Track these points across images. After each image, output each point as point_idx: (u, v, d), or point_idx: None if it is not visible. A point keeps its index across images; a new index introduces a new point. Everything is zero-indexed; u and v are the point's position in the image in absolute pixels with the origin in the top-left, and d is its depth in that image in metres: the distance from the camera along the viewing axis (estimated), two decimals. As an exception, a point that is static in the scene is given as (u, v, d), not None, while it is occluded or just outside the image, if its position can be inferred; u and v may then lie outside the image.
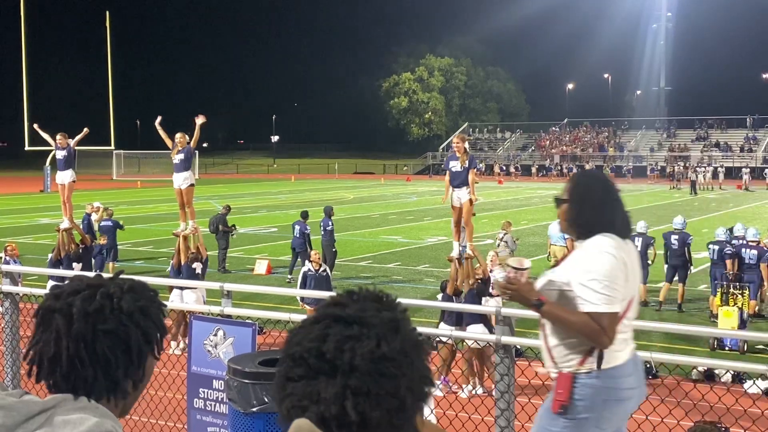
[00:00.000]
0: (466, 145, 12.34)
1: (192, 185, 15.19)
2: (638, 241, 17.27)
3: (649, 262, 17.02)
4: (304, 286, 14.15)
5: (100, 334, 1.79)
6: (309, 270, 14.48)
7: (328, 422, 1.50)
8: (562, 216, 4.00)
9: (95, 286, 1.85)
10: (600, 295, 3.68)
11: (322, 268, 14.63)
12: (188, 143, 14.95)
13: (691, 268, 17.02)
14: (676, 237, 16.83)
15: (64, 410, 1.74)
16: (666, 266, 17.03)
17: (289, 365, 1.56)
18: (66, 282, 1.90)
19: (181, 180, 15.00)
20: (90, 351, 1.78)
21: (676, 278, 16.70)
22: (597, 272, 3.69)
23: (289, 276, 19.88)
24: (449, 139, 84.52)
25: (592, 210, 3.85)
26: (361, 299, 1.61)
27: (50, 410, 1.74)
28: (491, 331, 10.75)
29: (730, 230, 17.13)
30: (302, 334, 1.57)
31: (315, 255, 15.04)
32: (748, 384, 11.24)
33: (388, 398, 1.51)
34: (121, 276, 1.94)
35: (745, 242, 15.83)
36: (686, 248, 16.69)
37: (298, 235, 19.85)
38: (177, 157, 14.93)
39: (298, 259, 19.74)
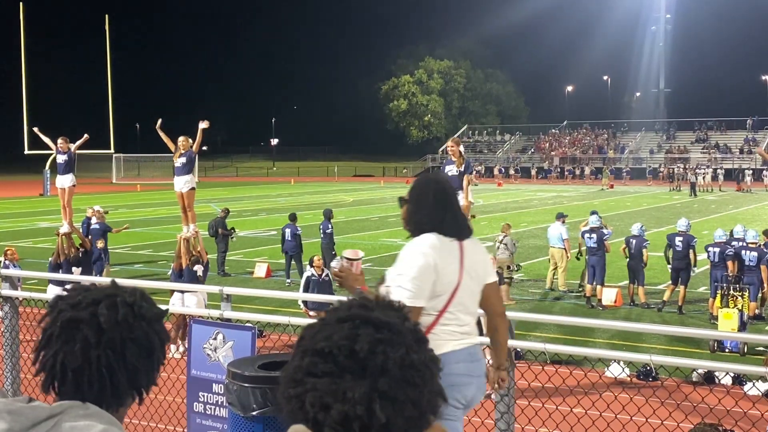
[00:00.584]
0: (461, 148, 12.34)
1: (193, 188, 15.20)
2: (633, 243, 17.34)
3: (643, 264, 17.08)
4: (306, 291, 14.14)
5: (129, 342, 1.81)
6: (312, 275, 14.48)
7: (351, 422, 1.49)
8: (402, 215, 4.34)
9: (113, 294, 1.86)
10: (405, 291, 3.98)
11: (324, 273, 14.63)
12: (191, 147, 14.97)
13: (694, 269, 17.02)
14: (681, 239, 16.84)
15: (71, 416, 1.74)
16: (669, 268, 17.06)
17: (314, 360, 1.53)
18: (72, 289, 1.89)
19: (182, 183, 15.01)
20: (118, 359, 1.79)
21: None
22: (406, 269, 4.02)
23: (287, 280, 19.87)
24: (447, 143, 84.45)
25: (423, 210, 4.17)
26: (380, 306, 1.61)
27: (57, 416, 1.74)
28: (481, 333, 10.80)
29: (731, 232, 17.15)
30: (329, 331, 1.55)
31: (318, 260, 15.01)
32: (748, 386, 11.23)
33: (410, 406, 1.51)
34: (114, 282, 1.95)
35: (744, 244, 15.84)
36: (690, 250, 16.70)
37: (290, 238, 19.90)
38: (179, 161, 14.94)
39: (293, 262, 19.84)
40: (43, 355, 1.82)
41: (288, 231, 20.08)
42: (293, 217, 20.45)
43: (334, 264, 3.49)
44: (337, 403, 1.49)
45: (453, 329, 4.15)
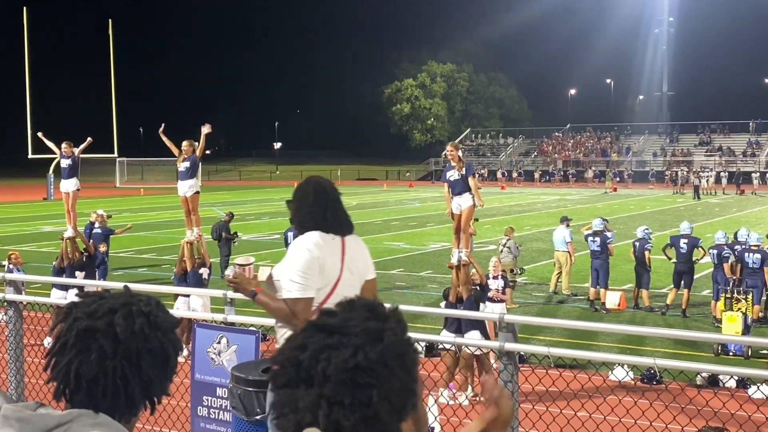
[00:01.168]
0: (460, 153, 12.35)
1: (197, 192, 15.23)
2: (636, 246, 17.35)
3: (647, 267, 17.09)
4: None
5: (144, 353, 1.80)
6: None
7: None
8: (290, 215, 4.67)
9: (129, 303, 1.84)
10: (294, 284, 4.30)
11: None
12: (194, 152, 14.98)
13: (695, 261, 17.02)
14: (686, 241, 16.83)
15: (80, 425, 1.73)
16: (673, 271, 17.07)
17: (275, 373, 1.58)
18: (86, 295, 1.87)
19: (186, 188, 15.03)
20: (135, 369, 1.78)
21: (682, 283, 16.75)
22: (294, 264, 4.33)
23: None
24: (444, 152, 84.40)
25: (305, 210, 4.48)
26: (353, 308, 1.61)
27: (66, 424, 1.73)
28: (486, 338, 10.84)
29: (735, 235, 17.13)
30: (288, 343, 1.59)
31: None
32: (752, 389, 11.22)
33: (362, 408, 1.51)
34: (128, 289, 1.94)
35: (747, 246, 15.81)
36: (697, 249, 16.74)
37: (291, 242, 19.89)
38: (182, 165, 14.96)
39: None
40: (56, 363, 1.80)
41: (290, 235, 20.09)
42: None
43: (228, 272, 3.69)
44: (290, 414, 1.53)
45: None
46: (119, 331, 1.77)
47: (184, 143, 14.99)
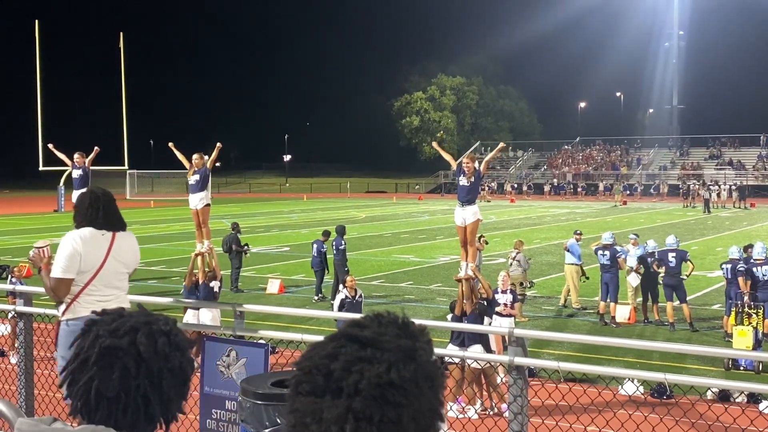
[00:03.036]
0: (476, 164, 12.36)
1: (208, 205, 15.24)
2: (633, 260, 17.44)
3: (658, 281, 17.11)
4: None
5: (166, 373, 1.80)
6: (346, 297, 14.28)
7: None
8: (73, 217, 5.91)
9: (149, 322, 1.84)
10: (58, 267, 5.54)
11: (357, 294, 14.45)
12: (204, 165, 15.01)
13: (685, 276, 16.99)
14: (674, 255, 16.79)
15: None
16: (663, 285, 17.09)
17: (300, 379, 1.53)
18: (105, 313, 1.88)
19: (197, 200, 15.05)
20: (155, 389, 1.79)
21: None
22: (61, 252, 5.54)
23: (315, 297, 19.93)
24: (460, 159, 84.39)
25: (81, 212, 5.72)
26: (384, 323, 1.58)
27: None
28: (488, 351, 10.85)
29: (745, 249, 17.04)
30: (316, 350, 1.55)
31: (351, 281, 14.74)
32: (763, 404, 11.15)
33: (389, 426, 1.47)
34: (143, 309, 1.94)
35: (753, 260, 15.70)
36: (684, 263, 16.74)
37: (315, 254, 20.01)
38: (193, 178, 14.99)
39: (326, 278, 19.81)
40: (74, 380, 1.79)
41: (315, 247, 20.17)
42: (326, 234, 20.49)
43: (30, 252, 4.68)
44: (313, 424, 1.48)
45: (96, 298, 5.59)
46: (142, 350, 1.78)
47: (195, 156, 15.02)
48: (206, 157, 15.07)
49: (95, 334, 1.81)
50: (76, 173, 16.51)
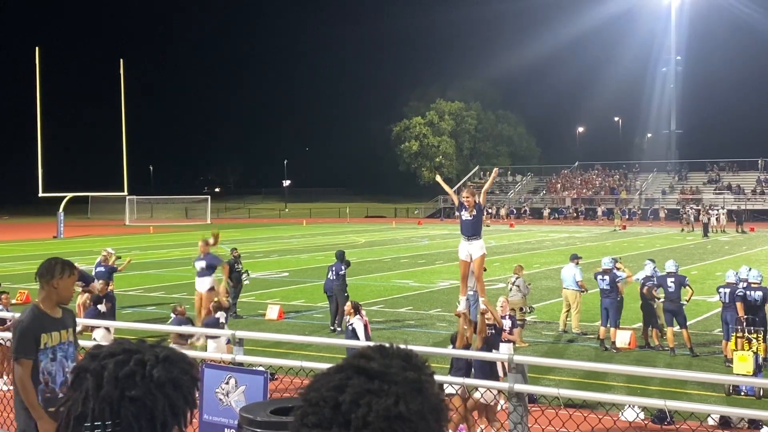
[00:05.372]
0: (476, 198, 12.35)
1: (212, 289, 16.01)
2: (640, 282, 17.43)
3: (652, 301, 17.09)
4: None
5: (126, 400, 1.79)
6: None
7: None
8: None
9: (131, 351, 1.85)
10: None
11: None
12: (209, 251, 15.88)
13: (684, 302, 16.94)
14: (672, 280, 16.73)
15: None
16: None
17: (306, 410, 1.52)
18: (116, 342, 1.92)
19: (204, 286, 15.73)
20: (114, 415, 1.78)
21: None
22: None
23: (331, 327, 19.20)
24: (459, 183, 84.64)
25: None
26: (389, 355, 1.58)
27: None
28: (496, 378, 10.56)
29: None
30: (323, 381, 1.54)
31: (348, 308, 14.25)
32: (764, 430, 11.10)
33: None
34: (162, 344, 1.94)
35: (747, 284, 15.67)
36: (683, 288, 16.71)
37: (333, 278, 19.24)
38: (198, 265, 15.60)
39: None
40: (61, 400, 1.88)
41: (333, 270, 19.60)
42: (339, 256, 19.64)
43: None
44: None
45: None
46: (105, 374, 1.80)
47: (200, 244, 15.94)
48: (211, 240, 16.09)
49: (84, 358, 1.89)
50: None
